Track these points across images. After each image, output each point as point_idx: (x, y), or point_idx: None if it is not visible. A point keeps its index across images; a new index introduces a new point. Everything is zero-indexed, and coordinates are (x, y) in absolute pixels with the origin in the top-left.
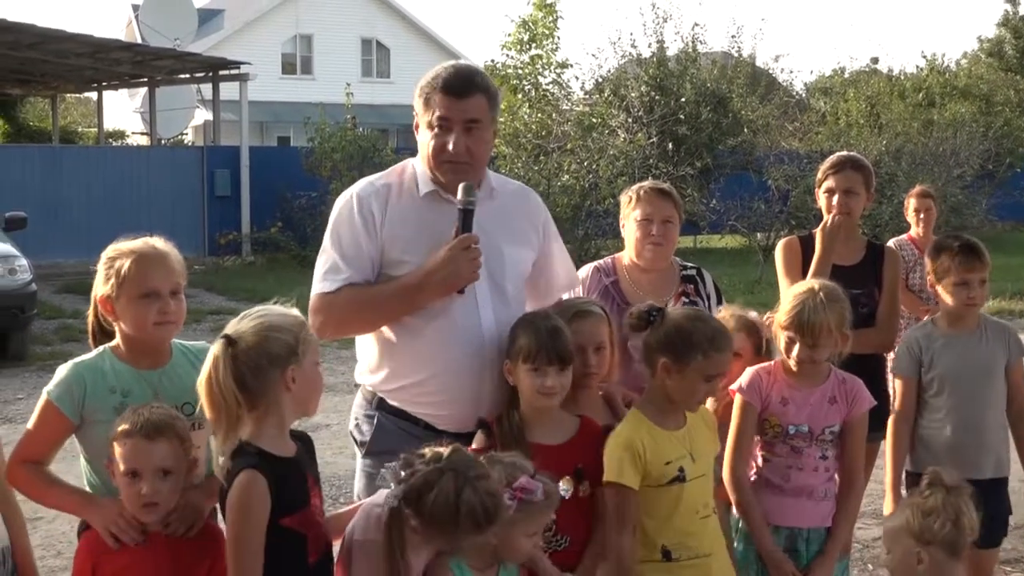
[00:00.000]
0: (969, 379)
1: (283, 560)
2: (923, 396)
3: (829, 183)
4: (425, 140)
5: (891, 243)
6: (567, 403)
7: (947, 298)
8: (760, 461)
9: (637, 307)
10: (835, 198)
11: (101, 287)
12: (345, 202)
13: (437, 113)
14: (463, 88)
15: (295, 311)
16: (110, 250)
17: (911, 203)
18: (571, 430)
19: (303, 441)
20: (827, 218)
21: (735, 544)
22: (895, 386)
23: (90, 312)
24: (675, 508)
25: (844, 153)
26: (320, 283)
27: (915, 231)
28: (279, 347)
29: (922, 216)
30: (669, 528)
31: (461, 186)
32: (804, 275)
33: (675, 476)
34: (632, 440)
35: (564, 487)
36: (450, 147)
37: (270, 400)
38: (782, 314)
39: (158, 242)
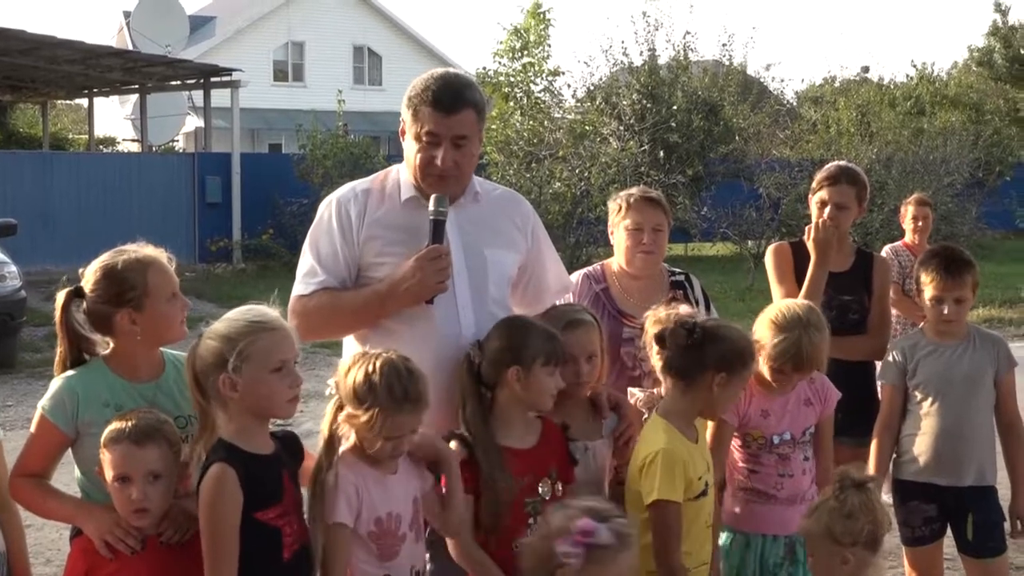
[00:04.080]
0: (952, 388)
1: (256, 554)
2: (908, 404)
3: (823, 195)
4: (412, 151)
5: (887, 249)
6: (555, 411)
7: (927, 312)
8: (746, 474)
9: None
10: (827, 211)
11: (116, 303)
12: (325, 207)
13: (425, 128)
14: (452, 104)
15: (260, 315)
16: (110, 263)
17: (909, 210)
18: (537, 432)
19: (284, 441)
20: (814, 223)
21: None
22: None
23: (62, 343)
24: (695, 521)
25: (841, 164)
26: (297, 286)
27: (910, 238)
28: (208, 354)
29: (920, 224)
30: (686, 541)
31: (433, 197)
32: (797, 280)
33: (702, 491)
34: (679, 454)
35: (544, 489)
36: (438, 162)
37: (220, 402)
38: (774, 349)
39: (148, 247)
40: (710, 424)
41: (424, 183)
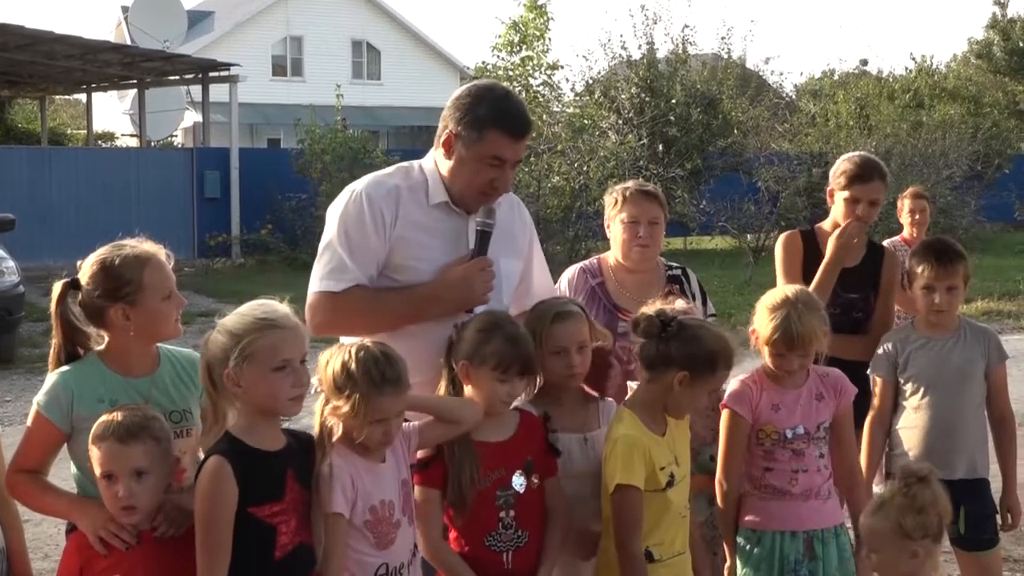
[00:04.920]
0: (943, 381)
1: (248, 550)
2: (899, 397)
3: (855, 192)
4: (469, 169)
5: (885, 244)
6: (550, 403)
7: (918, 301)
8: (761, 472)
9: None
10: (859, 208)
11: (111, 297)
12: (354, 199)
13: (494, 152)
14: (525, 131)
15: (268, 313)
16: (107, 257)
17: (905, 204)
18: (513, 425)
19: (299, 440)
20: (845, 225)
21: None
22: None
23: (57, 335)
24: (664, 513)
25: (866, 157)
26: (324, 281)
27: (908, 232)
28: (216, 348)
29: (917, 217)
30: (656, 532)
31: (482, 208)
32: (804, 271)
33: (667, 482)
34: (640, 440)
35: (518, 482)
36: (498, 184)
37: (228, 395)
38: (766, 331)
39: (146, 243)
40: (723, 419)
41: (474, 200)
